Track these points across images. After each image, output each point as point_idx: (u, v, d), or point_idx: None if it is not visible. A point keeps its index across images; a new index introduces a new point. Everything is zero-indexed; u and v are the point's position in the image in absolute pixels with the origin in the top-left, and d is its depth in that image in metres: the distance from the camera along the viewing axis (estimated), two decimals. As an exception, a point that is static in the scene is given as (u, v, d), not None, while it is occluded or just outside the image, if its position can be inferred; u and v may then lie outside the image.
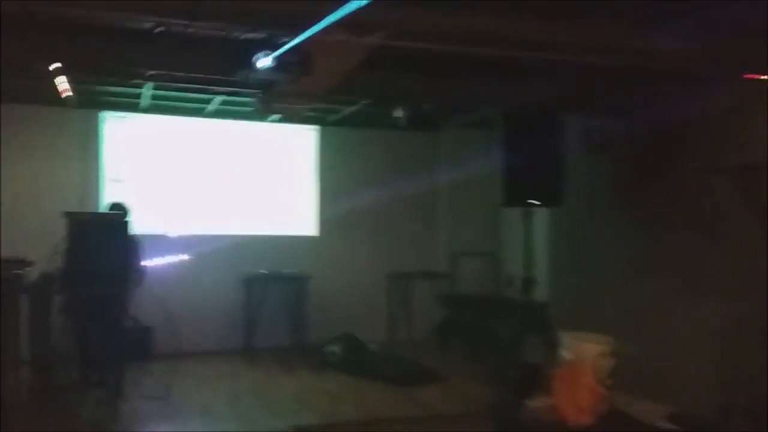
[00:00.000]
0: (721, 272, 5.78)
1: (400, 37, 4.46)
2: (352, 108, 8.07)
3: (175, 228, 8.49)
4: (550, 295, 7.83)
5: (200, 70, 5.34)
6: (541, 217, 7.84)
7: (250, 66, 4.38)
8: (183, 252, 8.35)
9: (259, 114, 6.91)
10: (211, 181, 8.80)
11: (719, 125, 5.91)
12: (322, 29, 4.06)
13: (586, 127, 7.31)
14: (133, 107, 8.25)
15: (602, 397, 5.36)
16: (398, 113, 6.89)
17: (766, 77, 5.32)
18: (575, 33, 4.67)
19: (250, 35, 4.62)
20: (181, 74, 5.60)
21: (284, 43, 4.27)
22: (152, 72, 5.67)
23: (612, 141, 7.07)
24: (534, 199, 7.25)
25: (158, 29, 4.86)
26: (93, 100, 7.92)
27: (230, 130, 8.88)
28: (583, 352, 5.79)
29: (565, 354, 5.93)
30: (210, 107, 8.16)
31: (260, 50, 4.35)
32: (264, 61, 4.26)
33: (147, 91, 7.27)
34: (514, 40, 4.58)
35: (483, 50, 4.84)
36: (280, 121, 8.38)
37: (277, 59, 4.22)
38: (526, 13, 4.40)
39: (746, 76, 5.35)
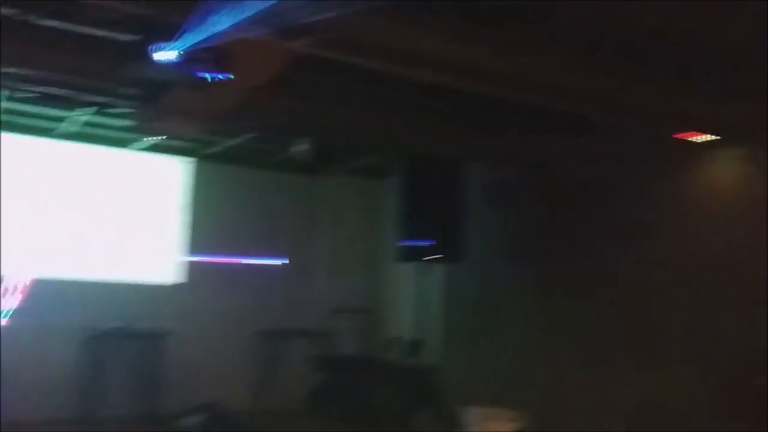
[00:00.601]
0: (637, 339, 5.50)
1: (330, 46, 3.83)
2: (234, 141, 7.18)
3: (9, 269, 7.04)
4: (443, 360, 7.25)
5: (72, 69, 4.30)
6: (437, 273, 7.37)
7: (145, 60, 3.48)
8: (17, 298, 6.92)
9: (139, 131, 5.83)
10: (59, 215, 7.48)
11: (635, 187, 5.74)
12: (242, 23, 3.34)
13: (489, 180, 6.99)
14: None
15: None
16: (298, 148, 6.16)
17: (697, 138, 5.20)
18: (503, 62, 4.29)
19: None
20: (43, 74, 4.52)
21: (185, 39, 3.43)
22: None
23: (516, 196, 6.76)
24: (431, 254, 6.82)
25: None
26: None
27: (88, 156, 7.66)
28: (491, 429, 5.26)
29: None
30: (66, 126, 6.91)
31: (157, 42, 3.47)
32: (165, 55, 3.37)
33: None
34: (462, 67, 4.12)
35: (417, 72, 4.31)
36: (154, 147, 7.25)
37: (186, 53, 3.35)
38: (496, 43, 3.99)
39: (677, 135, 5.21)
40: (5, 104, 6.04)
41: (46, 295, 7.12)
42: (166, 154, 7.94)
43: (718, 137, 5.18)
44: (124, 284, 7.66)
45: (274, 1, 3.29)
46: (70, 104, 5.72)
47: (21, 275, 7.07)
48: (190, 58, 3.41)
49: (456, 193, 6.82)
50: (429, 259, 6.90)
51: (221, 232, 8.30)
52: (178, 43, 3.36)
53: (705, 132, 5.17)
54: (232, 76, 3.53)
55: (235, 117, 5.19)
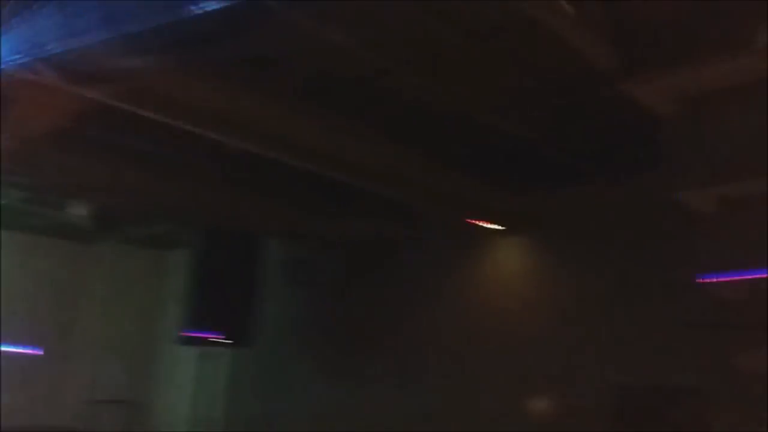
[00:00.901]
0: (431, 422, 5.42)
1: (126, 99, 3.41)
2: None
3: None
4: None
5: None
6: (223, 359, 6.82)
7: None
8: None
9: None
10: None
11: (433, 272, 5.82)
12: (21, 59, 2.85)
13: (287, 259, 6.72)
14: None
15: None
16: (74, 211, 5.43)
17: (487, 225, 5.45)
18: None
19: None
20: None
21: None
22: None
23: (315, 276, 6.53)
24: (218, 337, 6.30)
25: None
26: None
27: None
28: None
29: None
30: None
31: None
32: None
33: None
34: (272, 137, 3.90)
35: (217, 135, 4.02)
36: None
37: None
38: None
39: (469, 220, 5.42)
40: None
41: None
42: None
43: (503, 227, 5.50)
44: None
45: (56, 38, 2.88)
46: None
47: None
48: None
49: (251, 270, 6.43)
50: (215, 343, 6.35)
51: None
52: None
53: (491, 221, 5.46)
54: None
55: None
